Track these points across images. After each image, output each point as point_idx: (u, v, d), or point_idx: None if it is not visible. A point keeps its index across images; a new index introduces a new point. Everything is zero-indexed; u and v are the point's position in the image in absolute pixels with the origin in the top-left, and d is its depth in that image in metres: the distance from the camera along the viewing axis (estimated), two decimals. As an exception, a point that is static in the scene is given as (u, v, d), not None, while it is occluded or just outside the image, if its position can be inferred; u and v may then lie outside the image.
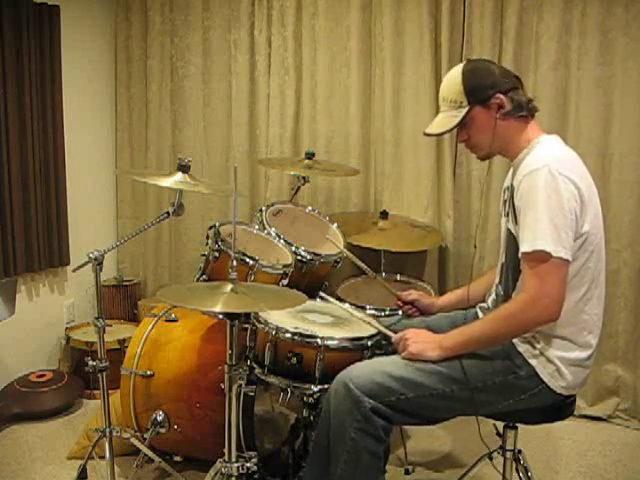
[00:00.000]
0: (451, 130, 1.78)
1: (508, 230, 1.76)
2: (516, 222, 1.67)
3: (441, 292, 3.03)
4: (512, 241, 1.71)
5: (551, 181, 1.57)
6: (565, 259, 1.57)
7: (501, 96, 1.70)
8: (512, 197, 1.70)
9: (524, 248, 1.59)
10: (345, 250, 2.43)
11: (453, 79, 1.75)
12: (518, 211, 1.65)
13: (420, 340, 1.72)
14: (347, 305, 2.27)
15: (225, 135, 3.43)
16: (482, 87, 1.71)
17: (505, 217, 1.83)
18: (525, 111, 1.74)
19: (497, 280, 1.88)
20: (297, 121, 3.29)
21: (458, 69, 1.75)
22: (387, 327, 1.94)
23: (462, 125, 1.75)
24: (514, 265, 1.72)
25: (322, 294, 2.17)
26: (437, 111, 3.01)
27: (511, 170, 1.85)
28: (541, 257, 1.56)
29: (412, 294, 2.15)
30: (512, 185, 1.73)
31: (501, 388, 1.68)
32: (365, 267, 2.29)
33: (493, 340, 1.68)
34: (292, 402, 2.17)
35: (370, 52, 3.15)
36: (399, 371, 1.67)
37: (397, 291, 2.20)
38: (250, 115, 3.37)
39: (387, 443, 1.70)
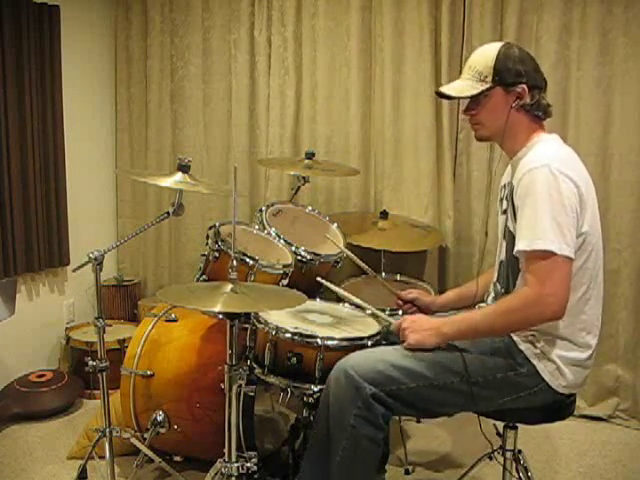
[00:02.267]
0: (463, 98, 1.77)
1: (507, 228, 1.75)
2: (515, 220, 1.67)
3: (441, 292, 3.01)
4: (512, 239, 1.71)
5: (552, 180, 1.57)
6: (569, 257, 1.57)
7: (525, 87, 1.69)
8: (512, 195, 1.70)
9: (522, 246, 1.59)
10: (344, 248, 2.43)
11: (487, 52, 1.73)
12: (517, 209, 1.65)
13: (418, 328, 1.71)
14: (347, 305, 2.28)
15: (225, 135, 3.43)
16: (511, 71, 1.69)
17: (503, 214, 1.83)
18: (541, 113, 1.73)
19: (495, 278, 1.88)
20: (297, 121, 3.29)
21: (497, 45, 1.74)
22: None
23: (475, 99, 1.74)
24: (513, 263, 1.72)
25: (320, 279, 2.12)
26: (437, 111, 3.07)
27: (509, 167, 1.84)
28: (543, 255, 1.55)
29: (412, 292, 2.15)
30: (512, 183, 1.73)
31: (501, 384, 1.69)
32: (365, 266, 2.28)
33: (494, 332, 1.68)
34: (292, 402, 2.17)
35: (370, 52, 3.15)
36: (400, 361, 1.67)
37: (397, 290, 2.20)
38: (250, 115, 3.37)
39: (386, 431, 1.69)
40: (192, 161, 2.16)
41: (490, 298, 1.92)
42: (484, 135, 1.81)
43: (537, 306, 1.57)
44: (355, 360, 1.68)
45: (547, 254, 1.55)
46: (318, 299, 2.32)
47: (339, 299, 2.49)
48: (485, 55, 1.73)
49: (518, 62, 1.70)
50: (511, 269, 1.75)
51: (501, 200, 1.87)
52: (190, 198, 2.98)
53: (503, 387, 1.69)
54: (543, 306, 1.56)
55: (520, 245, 1.60)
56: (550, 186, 1.57)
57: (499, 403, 1.71)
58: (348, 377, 1.64)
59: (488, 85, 1.70)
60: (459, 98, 1.81)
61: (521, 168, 1.67)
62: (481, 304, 1.98)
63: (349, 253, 2.37)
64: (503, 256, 1.81)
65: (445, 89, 1.81)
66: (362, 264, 2.29)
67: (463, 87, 1.75)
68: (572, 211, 1.58)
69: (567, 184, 1.58)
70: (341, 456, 1.65)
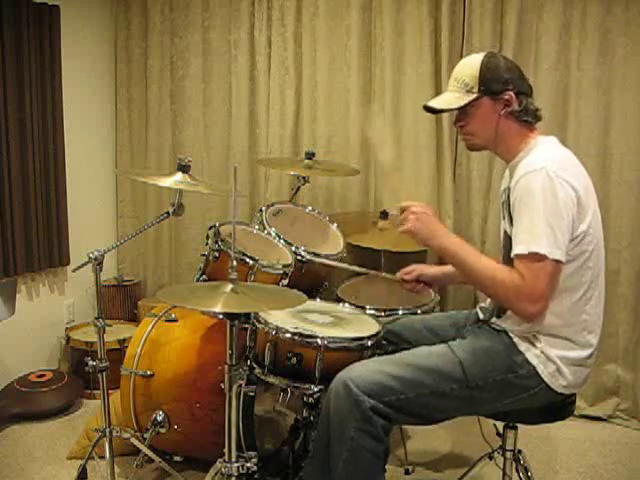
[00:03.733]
0: (451, 110, 1.78)
1: (505, 232, 1.75)
2: (512, 224, 1.67)
3: (441, 292, 3.03)
4: (509, 244, 1.70)
5: (548, 184, 1.57)
6: (560, 260, 1.57)
7: (512, 94, 1.70)
8: (509, 198, 1.70)
9: (519, 250, 1.59)
10: (333, 263, 2.39)
11: (471, 63, 1.74)
12: (513, 211, 1.65)
13: (424, 221, 1.74)
14: (347, 305, 2.28)
15: (225, 135, 3.43)
16: (496, 80, 1.70)
17: (503, 219, 1.83)
18: (531, 117, 1.74)
19: None
20: (297, 121, 3.29)
21: (480, 55, 1.74)
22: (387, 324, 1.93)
23: (464, 110, 1.74)
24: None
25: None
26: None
27: (507, 172, 1.85)
28: (535, 257, 1.56)
29: (415, 270, 2.14)
30: (509, 187, 1.73)
31: (501, 387, 1.68)
32: (361, 269, 2.26)
33: (473, 279, 1.71)
34: (292, 402, 2.17)
35: (370, 52, 3.15)
36: (399, 370, 1.67)
37: (398, 276, 2.17)
38: (250, 115, 3.37)
39: (387, 442, 1.70)
40: (192, 161, 2.16)
41: (488, 300, 1.92)
42: (476, 145, 1.81)
43: (520, 301, 1.59)
44: (354, 372, 1.68)
45: (538, 256, 1.56)
46: (318, 299, 2.32)
47: (339, 299, 2.50)
48: (470, 66, 1.74)
49: (503, 70, 1.71)
50: None
51: (502, 205, 1.87)
52: (190, 198, 2.97)
53: (503, 390, 1.69)
54: (524, 297, 1.58)
55: (517, 249, 1.60)
56: (546, 189, 1.57)
57: (499, 405, 1.71)
58: (347, 390, 1.64)
59: (475, 96, 1.71)
60: (447, 111, 1.81)
61: (519, 172, 1.66)
62: (482, 304, 1.98)
63: (340, 264, 2.34)
64: (503, 261, 1.80)
65: (432, 103, 1.81)
66: (357, 268, 2.26)
67: (450, 99, 1.76)
68: (568, 215, 1.58)
69: (564, 187, 1.58)
70: (342, 468, 1.65)
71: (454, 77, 1.77)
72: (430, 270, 2.13)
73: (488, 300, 1.92)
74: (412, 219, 1.73)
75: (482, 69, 1.70)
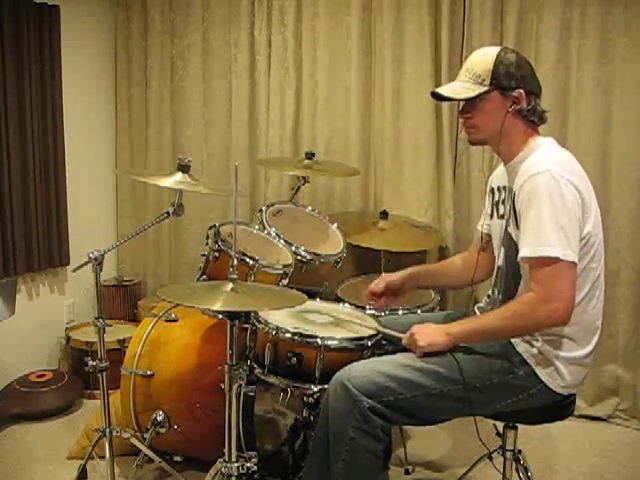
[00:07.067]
0: (459, 100, 1.76)
1: (508, 234, 1.75)
2: (517, 227, 1.66)
3: (440, 293, 3.03)
4: (513, 246, 1.70)
5: (554, 185, 1.57)
6: (574, 262, 1.56)
7: (522, 92, 1.69)
8: (512, 201, 1.70)
9: (526, 253, 1.59)
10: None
11: (486, 55, 1.72)
12: (519, 215, 1.65)
13: (426, 332, 1.72)
14: (347, 305, 2.28)
15: (225, 135, 3.43)
16: (509, 76, 1.68)
17: (500, 219, 1.82)
18: (536, 118, 1.73)
19: (493, 282, 1.87)
20: (297, 121, 3.29)
21: (495, 49, 1.73)
22: (392, 328, 1.93)
23: (471, 102, 1.72)
24: (515, 270, 1.72)
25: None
26: (437, 111, 3.07)
27: (501, 170, 1.84)
28: (548, 261, 1.55)
29: (379, 282, 2.08)
30: (512, 189, 1.72)
31: (499, 388, 1.68)
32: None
33: (500, 335, 1.68)
34: (292, 402, 2.17)
35: (370, 52, 3.15)
36: (397, 371, 1.67)
37: (367, 290, 2.09)
38: (250, 115, 3.37)
39: (387, 442, 1.70)
40: (192, 161, 2.16)
41: (484, 301, 1.92)
42: (478, 139, 1.79)
43: (543, 311, 1.56)
44: (352, 372, 1.68)
45: (552, 260, 1.55)
46: (318, 299, 2.32)
47: (339, 299, 2.50)
48: (484, 58, 1.72)
49: (516, 67, 1.70)
50: (512, 277, 1.74)
51: (496, 204, 1.86)
52: (190, 198, 2.97)
53: (501, 391, 1.69)
54: (549, 312, 1.56)
55: (524, 252, 1.59)
56: (552, 191, 1.57)
57: (498, 407, 1.71)
58: (345, 390, 1.64)
59: (486, 88, 1.69)
60: (455, 100, 1.80)
61: (522, 174, 1.66)
62: (480, 305, 1.99)
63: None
64: (503, 262, 1.80)
65: (441, 90, 1.79)
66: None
67: (460, 89, 1.74)
68: (575, 215, 1.58)
69: (569, 188, 1.58)
70: (341, 468, 1.65)
71: (466, 67, 1.75)
72: (395, 276, 2.08)
73: (482, 302, 1.92)
74: (419, 338, 1.71)
75: (496, 63, 1.69)
